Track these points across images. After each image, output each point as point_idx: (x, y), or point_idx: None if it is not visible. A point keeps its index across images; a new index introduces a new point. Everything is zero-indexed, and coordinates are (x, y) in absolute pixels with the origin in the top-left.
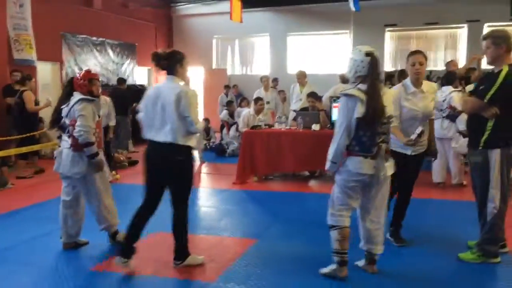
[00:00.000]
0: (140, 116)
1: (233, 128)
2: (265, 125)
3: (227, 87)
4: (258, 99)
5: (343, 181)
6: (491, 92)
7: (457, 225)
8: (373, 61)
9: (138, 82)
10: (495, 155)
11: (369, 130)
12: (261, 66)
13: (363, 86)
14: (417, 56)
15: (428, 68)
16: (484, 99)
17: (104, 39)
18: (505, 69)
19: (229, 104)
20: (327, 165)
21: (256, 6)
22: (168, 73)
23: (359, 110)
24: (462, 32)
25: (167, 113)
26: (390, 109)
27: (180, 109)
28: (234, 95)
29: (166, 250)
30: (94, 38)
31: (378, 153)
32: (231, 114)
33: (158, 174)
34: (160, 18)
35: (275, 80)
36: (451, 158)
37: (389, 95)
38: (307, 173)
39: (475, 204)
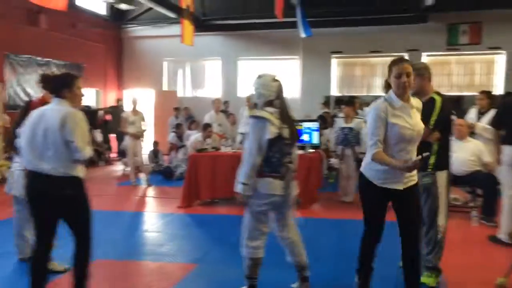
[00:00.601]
0: (20, 142)
1: (181, 151)
2: (212, 148)
3: (177, 109)
4: (207, 126)
5: (255, 206)
6: (434, 118)
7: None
8: (280, 87)
9: (85, 103)
10: (443, 176)
11: (278, 151)
12: (212, 89)
13: (271, 109)
14: (404, 65)
15: (373, 94)
16: (427, 126)
17: (49, 59)
18: (438, 97)
19: (178, 126)
20: (239, 187)
21: (207, 31)
22: (56, 97)
23: (271, 131)
24: None
25: (50, 139)
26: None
27: (65, 133)
28: (184, 117)
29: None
30: (39, 58)
31: (286, 174)
32: (180, 137)
33: (45, 210)
34: (110, 39)
35: (226, 102)
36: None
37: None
38: None
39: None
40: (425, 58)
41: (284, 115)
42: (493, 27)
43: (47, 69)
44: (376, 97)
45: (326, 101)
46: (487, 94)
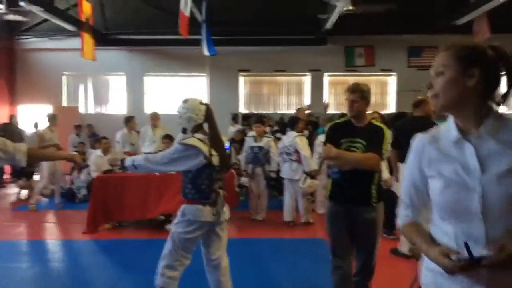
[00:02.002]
0: None
1: (84, 171)
2: (119, 169)
3: (78, 127)
4: (102, 138)
5: (182, 233)
6: (384, 147)
7: (308, 263)
8: (209, 110)
9: None
10: (381, 207)
11: (207, 178)
12: (117, 105)
13: (200, 135)
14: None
15: (279, 111)
16: (380, 153)
17: None
18: (383, 125)
19: (79, 145)
20: (127, 162)
21: (111, 45)
22: None
23: (199, 161)
24: (306, 79)
25: None
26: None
27: None
28: (87, 135)
29: None
30: None
31: (217, 199)
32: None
33: None
34: (0, 51)
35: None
36: (299, 198)
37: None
38: (162, 217)
39: (322, 241)
40: (326, 78)
41: (215, 140)
42: (383, 51)
43: None
44: (282, 115)
45: (234, 117)
46: (379, 113)
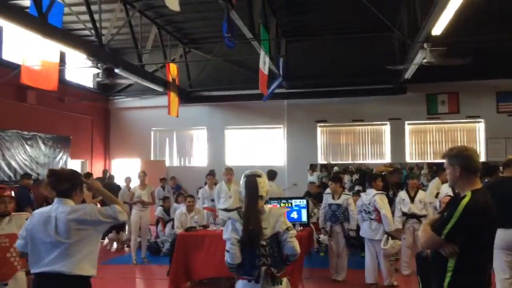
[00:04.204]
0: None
1: (168, 225)
2: (200, 226)
3: (163, 180)
4: (188, 196)
5: None
6: (449, 226)
7: None
8: (247, 182)
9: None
10: None
11: (247, 252)
12: (199, 158)
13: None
14: None
15: (357, 161)
16: (442, 232)
17: (35, 133)
18: (468, 196)
19: (164, 200)
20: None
21: (194, 101)
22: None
23: (240, 232)
24: (386, 128)
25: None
26: (270, 229)
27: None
28: (172, 187)
29: None
30: (25, 132)
31: (260, 276)
32: (166, 211)
33: None
34: (97, 110)
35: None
36: (381, 259)
37: (275, 214)
38: None
39: None
40: (407, 126)
41: (249, 215)
42: (469, 97)
43: (33, 143)
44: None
45: (312, 166)
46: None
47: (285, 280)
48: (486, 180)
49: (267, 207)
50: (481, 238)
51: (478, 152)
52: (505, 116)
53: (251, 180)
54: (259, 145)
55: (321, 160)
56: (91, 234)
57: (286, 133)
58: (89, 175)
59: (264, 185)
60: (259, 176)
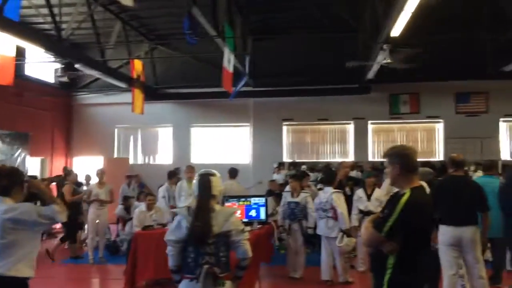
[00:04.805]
0: None
1: (129, 224)
2: (158, 224)
3: (129, 177)
4: (148, 194)
5: None
6: (389, 223)
7: None
8: (200, 181)
9: (30, 173)
10: None
11: (192, 250)
12: (164, 156)
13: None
14: None
15: (322, 160)
16: (382, 230)
17: None
18: (407, 194)
19: (125, 199)
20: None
21: (160, 99)
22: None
23: (186, 228)
24: (350, 128)
25: None
26: (218, 228)
27: None
28: (136, 185)
29: None
30: None
31: (201, 275)
32: (127, 209)
33: None
34: (58, 106)
35: (177, 170)
36: (337, 256)
37: (225, 213)
38: None
39: None
40: (370, 126)
41: (199, 212)
42: (429, 97)
43: None
44: (326, 163)
45: (279, 165)
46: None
47: (228, 283)
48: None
49: (218, 206)
50: (419, 234)
51: (417, 151)
52: (463, 117)
53: (205, 179)
54: (225, 143)
55: (286, 158)
56: (27, 235)
57: (252, 131)
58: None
59: (217, 184)
60: (213, 175)
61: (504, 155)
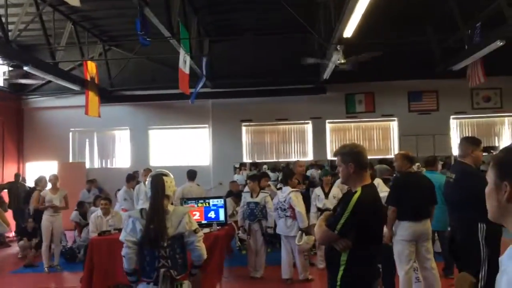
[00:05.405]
0: None
1: (85, 230)
2: (115, 229)
3: (89, 182)
4: (102, 199)
5: None
6: (342, 221)
7: None
8: (154, 182)
9: None
10: None
11: (147, 254)
12: (122, 159)
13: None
14: None
15: (283, 159)
16: (335, 228)
17: None
18: (358, 191)
19: (79, 205)
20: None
21: (115, 101)
22: None
23: (140, 231)
24: (308, 127)
25: None
26: (172, 229)
27: None
28: (96, 189)
29: None
30: None
31: (159, 279)
32: (83, 215)
33: None
34: (8, 110)
35: (135, 173)
36: (296, 255)
37: (178, 213)
38: None
39: None
40: (327, 125)
41: (152, 214)
42: (384, 96)
43: None
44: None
45: (241, 166)
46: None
47: (186, 283)
48: (395, 176)
49: (172, 207)
50: (371, 231)
51: (365, 149)
52: (416, 115)
53: (158, 179)
54: (184, 145)
55: (246, 159)
56: None
57: (211, 132)
58: None
59: (171, 184)
60: (166, 175)
61: (455, 151)
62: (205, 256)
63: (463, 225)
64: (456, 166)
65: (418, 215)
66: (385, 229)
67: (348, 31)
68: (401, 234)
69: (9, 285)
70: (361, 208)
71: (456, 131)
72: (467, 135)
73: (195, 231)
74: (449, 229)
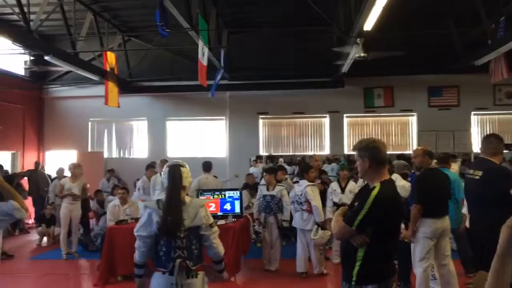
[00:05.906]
0: None
1: (103, 219)
2: (132, 219)
3: (110, 171)
4: (120, 188)
5: None
6: (360, 217)
7: None
8: (170, 172)
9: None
10: None
11: (164, 244)
12: (139, 149)
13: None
14: None
15: (299, 153)
16: (353, 223)
17: None
18: (377, 187)
19: (96, 193)
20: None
21: (133, 92)
22: None
23: (156, 223)
24: (325, 121)
25: None
26: (189, 221)
27: None
28: (116, 179)
29: None
30: None
31: (174, 269)
32: (101, 203)
33: None
34: (29, 99)
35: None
36: (312, 249)
37: (195, 205)
38: None
39: None
40: (345, 119)
41: (169, 205)
42: (403, 91)
43: None
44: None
45: (257, 158)
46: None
47: (201, 274)
48: (413, 172)
49: (188, 198)
50: (389, 228)
51: (386, 144)
52: (436, 110)
53: (175, 170)
54: (201, 137)
55: (263, 152)
56: None
57: (228, 124)
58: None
59: (188, 175)
60: (183, 166)
61: (476, 148)
62: (222, 252)
63: (487, 223)
64: (482, 163)
65: (441, 211)
66: (402, 225)
67: (369, 24)
68: (423, 232)
69: (28, 271)
70: (379, 204)
71: (477, 127)
72: (488, 132)
73: (211, 225)
74: (467, 226)
